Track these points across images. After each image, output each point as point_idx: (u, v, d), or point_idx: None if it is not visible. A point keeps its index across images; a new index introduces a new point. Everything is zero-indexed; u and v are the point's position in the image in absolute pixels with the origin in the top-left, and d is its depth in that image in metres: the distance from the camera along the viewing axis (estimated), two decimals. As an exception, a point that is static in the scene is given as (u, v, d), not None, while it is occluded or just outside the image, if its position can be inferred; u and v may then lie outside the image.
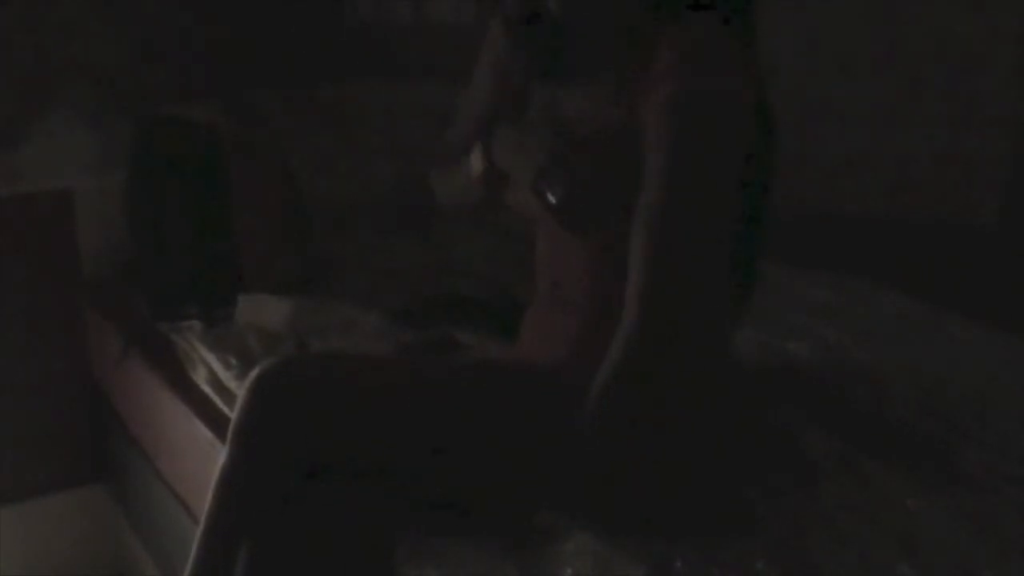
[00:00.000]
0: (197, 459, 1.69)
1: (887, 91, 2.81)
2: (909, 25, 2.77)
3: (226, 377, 1.75)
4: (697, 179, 1.19)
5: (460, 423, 1.29)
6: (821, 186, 2.80)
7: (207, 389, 1.77)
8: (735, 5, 1.27)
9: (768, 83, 1.28)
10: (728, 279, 1.30)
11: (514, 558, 1.24)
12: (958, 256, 2.57)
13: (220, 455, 1.29)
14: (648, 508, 1.26)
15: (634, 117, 1.23)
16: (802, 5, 2.73)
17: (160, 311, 2.02)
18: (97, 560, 2.39)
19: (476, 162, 1.47)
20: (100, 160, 2.28)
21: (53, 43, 2.36)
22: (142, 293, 2.09)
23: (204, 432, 1.67)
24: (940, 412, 1.58)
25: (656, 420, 1.23)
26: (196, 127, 2.05)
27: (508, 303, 1.81)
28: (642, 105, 1.22)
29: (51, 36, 2.36)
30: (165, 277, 2.05)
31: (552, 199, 1.30)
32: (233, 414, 1.28)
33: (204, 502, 1.29)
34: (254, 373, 1.28)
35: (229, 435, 1.27)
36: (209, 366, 1.80)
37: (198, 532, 1.29)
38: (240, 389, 1.38)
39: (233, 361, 1.77)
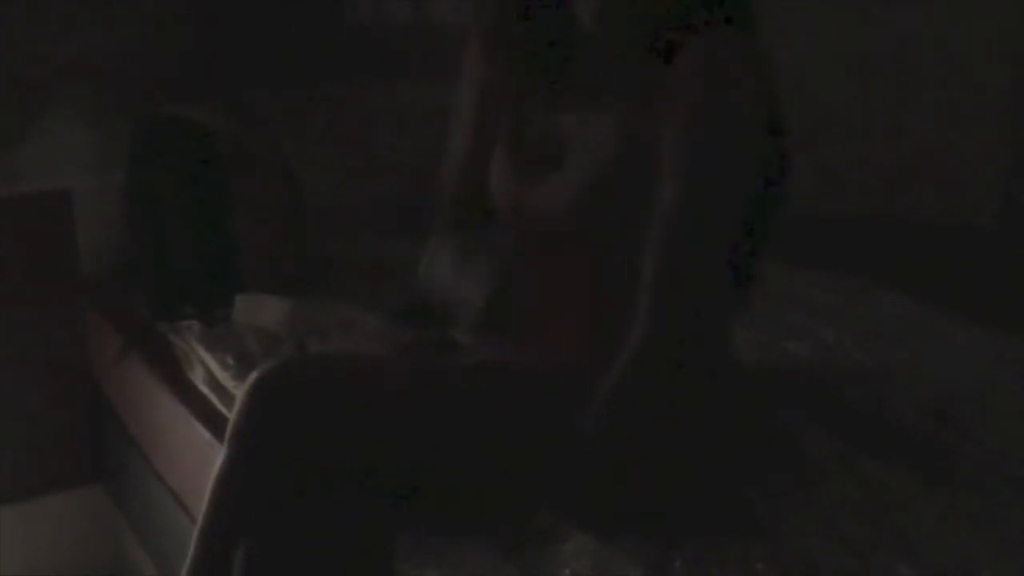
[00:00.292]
0: (195, 459, 1.69)
1: (887, 91, 2.81)
2: (909, 25, 2.77)
3: (223, 377, 1.75)
4: (717, 186, 1.21)
5: (460, 423, 1.28)
6: (821, 186, 2.79)
7: (205, 389, 1.77)
8: (747, 16, 1.28)
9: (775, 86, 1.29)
10: (730, 280, 1.30)
11: (514, 558, 1.24)
12: (958, 256, 2.56)
13: (218, 455, 1.28)
14: (648, 508, 1.26)
15: (648, 132, 1.24)
16: (802, 5, 2.73)
17: (159, 311, 2.02)
18: (96, 560, 2.39)
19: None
20: (100, 160, 2.28)
21: (53, 43, 2.36)
22: (141, 293, 2.09)
23: (202, 432, 1.67)
24: (940, 412, 1.58)
25: (664, 420, 1.24)
26: (196, 127, 2.05)
27: (507, 303, 1.80)
28: (658, 119, 1.23)
29: (51, 36, 2.36)
30: (164, 277, 2.05)
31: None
32: (231, 416, 1.27)
33: (202, 502, 1.28)
34: (253, 376, 1.28)
35: (227, 437, 1.27)
36: (207, 366, 1.80)
37: (195, 532, 1.28)
38: (238, 390, 1.38)
39: (231, 361, 1.77)
